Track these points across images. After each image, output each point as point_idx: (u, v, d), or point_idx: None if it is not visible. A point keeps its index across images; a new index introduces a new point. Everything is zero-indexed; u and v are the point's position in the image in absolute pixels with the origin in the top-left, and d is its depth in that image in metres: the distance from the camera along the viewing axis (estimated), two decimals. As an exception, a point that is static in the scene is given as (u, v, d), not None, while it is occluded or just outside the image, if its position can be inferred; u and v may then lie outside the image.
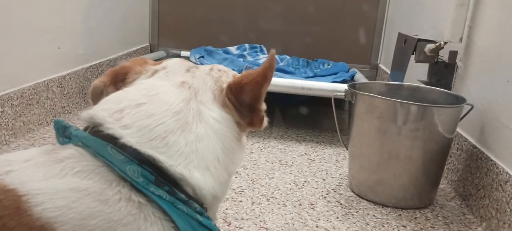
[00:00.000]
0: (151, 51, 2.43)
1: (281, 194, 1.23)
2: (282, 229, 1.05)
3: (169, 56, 2.29)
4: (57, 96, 1.65)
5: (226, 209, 1.11)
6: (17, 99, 1.43)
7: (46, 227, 0.43)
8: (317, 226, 1.07)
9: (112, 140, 0.50)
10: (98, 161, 0.49)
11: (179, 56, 2.31)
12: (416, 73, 1.61)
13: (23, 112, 1.46)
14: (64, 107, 1.71)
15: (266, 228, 1.05)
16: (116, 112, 0.54)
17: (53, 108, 1.63)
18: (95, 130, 0.52)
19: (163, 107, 0.55)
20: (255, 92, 0.59)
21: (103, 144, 0.50)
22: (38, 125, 1.55)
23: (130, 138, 0.51)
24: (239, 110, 0.60)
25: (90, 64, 1.89)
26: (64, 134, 0.53)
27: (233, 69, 2.05)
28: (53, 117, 1.64)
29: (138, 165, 0.49)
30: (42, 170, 0.47)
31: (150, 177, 0.49)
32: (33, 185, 0.45)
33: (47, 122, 1.60)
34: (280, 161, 1.48)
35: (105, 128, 0.52)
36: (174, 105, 0.56)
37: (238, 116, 0.60)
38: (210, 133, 0.56)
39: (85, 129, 0.54)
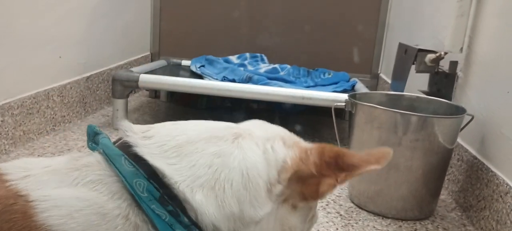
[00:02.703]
0: (152, 60, 2.44)
1: (280, 204, 1.22)
2: (281, 241, 1.04)
3: (169, 65, 2.30)
4: (58, 105, 1.66)
5: (225, 219, 1.11)
6: (17, 108, 1.43)
7: None
8: (316, 238, 1.07)
9: (126, 148, 0.50)
10: (111, 171, 0.49)
11: (179, 65, 2.32)
12: (417, 83, 1.61)
13: (23, 121, 1.46)
14: (64, 116, 1.71)
15: (265, 239, 1.04)
16: (148, 127, 0.54)
17: (53, 118, 1.63)
18: (119, 139, 0.53)
19: (197, 126, 0.53)
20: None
21: (118, 153, 0.49)
22: (38, 134, 1.55)
23: (144, 148, 0.50)
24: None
25: (90, 74, 1.90)
26: (94, 140, 0.53)
27: (234, 79, 2.02)
28: (53, 126, 1.64)
29: (145, 179, 0.48)
30: (57, 177, 0.48)
31: (155, 193, 0.48)
32: (43, 192, 0.47)
33: (47, 131, 1.60)
34: (280, 171, 1.47)
35: (125, 135, 0.52)
36: (215, 128, 0.54)
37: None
38: (236, 154, 0.51)
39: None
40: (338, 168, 0.54)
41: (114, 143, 0.53)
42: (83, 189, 0.47)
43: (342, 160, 0.53)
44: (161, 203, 0.47)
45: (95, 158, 0.51)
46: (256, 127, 0.58)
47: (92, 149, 0.53)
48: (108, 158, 0.49)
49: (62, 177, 0.48)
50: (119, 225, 0.47)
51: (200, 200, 0.48)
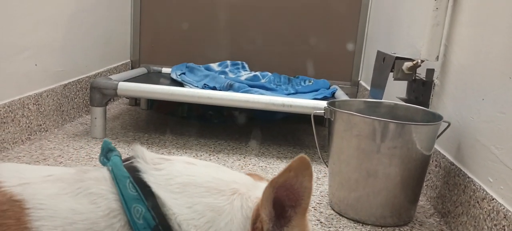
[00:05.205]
0: (132, 68, 2.41)
1: (260, 213, 1.21)
2: (261, 249, 1.03)
3: (150, 72, 2.27)
4: (33, 114, 1.62)
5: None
6: (-10, 117, 1.39)
7: None
8: (296, 246, 1.06)
9: (134, 172, 0.52)
10: (114, 189, 0.51)
11: (160, 73, 2.30)
12: (396, 90, 1.63)
13: (-3, 130, 1.43)
14: (41, 125, 1.68)
15: (244, 249, 1.03)
16: (163, 159, 0.56)
17: (28, 127, 1.60)
18: (130, 161, 0.55)
19: (207, 172, 0.55)
20: None
21: (125, 175, 0.52)
22: (13, 144, 1.51)
23: (151, 176, 0.53)
24: None
25: (68, 81, 1.86)
26: (106, 155, 0.56)
27: (215, 86, 2.01)
28: (28, 135, 1.60)
29: (145, 206, 0.50)
30: (59, 185, 0.50)
31: (151, 222, 0.50)
32: (40, 200, 0.48)
33: (22, 141, 1.56)
34: (260, 178, 1.47)
35: (136, 160, 0.54)
36: (221, 180, 0.55)
37: None
38: (227, 213, 0.53)
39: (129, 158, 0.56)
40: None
41: (124, 160, 0.56)
42: (83, 200, 0.49)
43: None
44: None
45: (103, 174, 0.53)
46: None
47: (103, 163, 0.56)
48: (115, 177, 0.52)
49: (65, 186, 0.50)
50: None
51: None
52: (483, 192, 1.05)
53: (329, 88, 2.10)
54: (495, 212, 0.99)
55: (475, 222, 1.07)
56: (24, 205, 0.47)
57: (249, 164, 1.59)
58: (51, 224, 0.47)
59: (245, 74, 2.18)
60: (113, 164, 0.54)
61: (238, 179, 0.57)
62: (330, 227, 1.17)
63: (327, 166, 1.33)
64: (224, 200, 0.54)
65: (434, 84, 1.40)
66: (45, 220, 0.47)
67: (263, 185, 0.59)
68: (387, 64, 1.47)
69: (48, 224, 0.46)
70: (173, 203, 0.51)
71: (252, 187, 0.57)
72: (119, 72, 2.21)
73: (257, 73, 2.18)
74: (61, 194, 0.49)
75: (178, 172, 0.54)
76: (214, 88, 1.87)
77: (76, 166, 0.55)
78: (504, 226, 0.95)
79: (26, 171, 0.52)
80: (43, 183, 0.50)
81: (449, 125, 1.22)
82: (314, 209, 1.26)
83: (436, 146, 1.31)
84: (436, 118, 1.21)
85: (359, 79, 2.39)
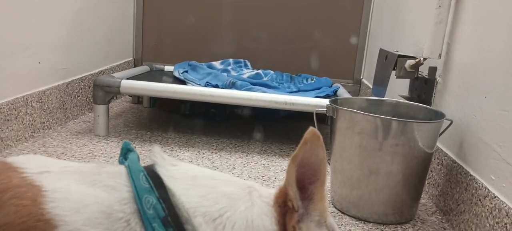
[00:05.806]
0: (135, 66, 2.41)
1: (263, 210, 1.22)
2: (263, 246, 1.04)
3: (152, 70, 2.28)
4: (37, 111, 1.63)
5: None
6: (-6, 115, 1.40)
7: (51, 222, 0.48)
8: (298, 243, 1.06)
9: (149, 166, 0.56)
10: (128, 182, 0.53)
11: (162, 71, 2.30)
12: (398, 88, 1.63)
13: (0, 128, 1.43)
14: (44, 123, 1.68)
15: (246, 246, 1.03)
16: (179, 161, 0.59)
17: (32, 124, 1.60)
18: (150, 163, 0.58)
19: (221, 173, 0.59)
20: None
21: (139, 169, 0.55)
22: (16, 141, 1.52)
23: (164, 170, 0.55)
24: None
25: (71, 79, 1.87)
26: (125, 155, 0.59)
27: (217, 84, 2.02)
28: (31, 132, 1.61)
29: (156, 197, 0.52)
30: (76, 176, 0.53)
31: (161, 212, 0.51)
32: (57, 185, 0.51)
33: (25, 138, 1.57)
34: (262, 176, 1.47)
35: (154, 155, 0.57)
36: (237, 179, 0.58)
37: None
38: (246, 199, 0.54)
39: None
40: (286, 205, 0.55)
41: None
42: (98, 190, 0.52)
43: (286, 196, 0.55)
44: (163, 223, 0.51)
45: (119, 169, 0.55)
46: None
47: (121, 163, 0.58)
48: (130, 172, 0.54)
49: (83, 176, 0.53)
50: (119, 228, 0.50)
51: (200, 223, 0.52)
52: (485, 190, 1.05)
53: (331, 86, 2.10)
54: (497, 210, 0.99)
55: (477, 219, 1.07)
56: (42, 188, 0.50)
57: (252, 162, 1.60)
58: (65, 205, 0.49)
59: (247, 72, 2.18)
60: (130, 160, 0.57)
61: (248, 182, 0.60)
62: (332, 225, 1.17)
63: (329, 163, 1.33)
64: (240, 191, 0.55)
65: (437, 82, 1.40)
66: (60, 202, 0.49)
67: (272, 190, 0.60)
68: (390, 62, 1.47)
69: (63, 206, 0.49)
70: (183, 192, 0.53)
71: (263, 188, 0.59)
72: (121, 70, 2.22)
73: (260, 71, 2.19)
74: (78, 183, 0.52)
75: (191, 167, 0.58)
76: (216, 86, 1.87)
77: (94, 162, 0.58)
78: (506, 224, 0.95)
79: (48, 162, 0.56)
80: (62, 173, 0.53)
81: (451, 123, 1.22)
82: (316, 207, 1.27)
83: (438, 144, 1.31)
84: (438, 115, 1.21)
85: (361, 77, 2.38)
